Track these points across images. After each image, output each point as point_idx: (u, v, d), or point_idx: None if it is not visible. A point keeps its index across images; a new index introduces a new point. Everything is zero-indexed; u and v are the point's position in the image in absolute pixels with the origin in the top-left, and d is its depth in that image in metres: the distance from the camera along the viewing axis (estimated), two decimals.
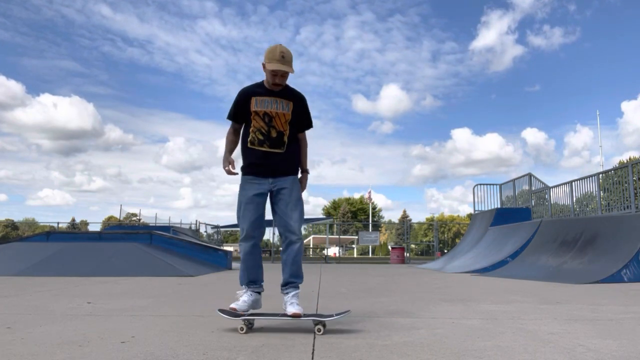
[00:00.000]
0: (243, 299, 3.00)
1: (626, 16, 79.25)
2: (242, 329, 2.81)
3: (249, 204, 3.01)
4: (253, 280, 3.07)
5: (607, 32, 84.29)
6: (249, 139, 3.06)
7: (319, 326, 2.78)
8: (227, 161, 3.09)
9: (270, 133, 3.04)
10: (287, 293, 3.01)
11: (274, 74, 2.97)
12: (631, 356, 2.16)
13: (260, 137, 3.04)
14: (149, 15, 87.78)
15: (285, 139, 3.07)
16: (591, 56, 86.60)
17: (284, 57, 2.95)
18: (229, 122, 3.20)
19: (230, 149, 3.17)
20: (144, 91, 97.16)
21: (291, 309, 2.89)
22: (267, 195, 3.07)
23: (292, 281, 3.03)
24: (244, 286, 3.07)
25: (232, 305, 2.94)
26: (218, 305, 3.36)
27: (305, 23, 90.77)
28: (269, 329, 2.92)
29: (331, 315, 2.90)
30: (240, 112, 3.10)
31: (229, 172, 3.08)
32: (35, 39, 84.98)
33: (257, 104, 3.04)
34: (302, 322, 3.05)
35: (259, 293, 3.10)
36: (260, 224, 3.04)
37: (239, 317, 2.87)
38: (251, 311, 3.03)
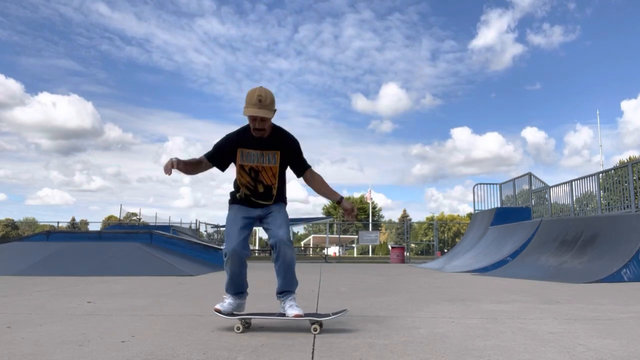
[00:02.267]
0: (228, 301, 3.00)
1: (626, 14, 79.16)
2: (238, 328, 2.82)
3: (236, 225, 2.95)
4: (239, 292, 3.06)
5: (608, 30, 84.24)
6: (238, 194, 3.02)
7: (315, 325, 2.78)
8: (175, 159, 2.88)
9: (257, 188, 2.98)
10: (284, 300, 2.99)
11: (252, 119, 2.87)
12: (631, 356, 2.16)
13: (248, 192, 2.99)
14: (147, 13, 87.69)
15: (274, 192, 3.00)
16: (591, 55, 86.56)
17: (261, 101, 2.80)
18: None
19: (187, 161, 2.96)
20: (142, 90, 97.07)
21: (291, 311, 2.89)
22: (256, 220, 3.03)
23: (286, 290, 3.01)
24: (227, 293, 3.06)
25: (217, 307, 2.95)
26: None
27: (303, 21, 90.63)
28: (269, 329, 2.92)
29: (328, 315, 2.91)
30: (219, 158, 3.01)
31: (168, 167, 2.83)
32: (32, 37, 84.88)
33: (243, 158, 2.95)
34: (302, 322, 3.06)
35: (243, 299, 3.10)
36: (246, 245, 3.00)
37: (236, 316, 2.88)
38: (249, 311, 3.03)
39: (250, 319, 2.97)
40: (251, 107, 2.81)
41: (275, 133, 2.99)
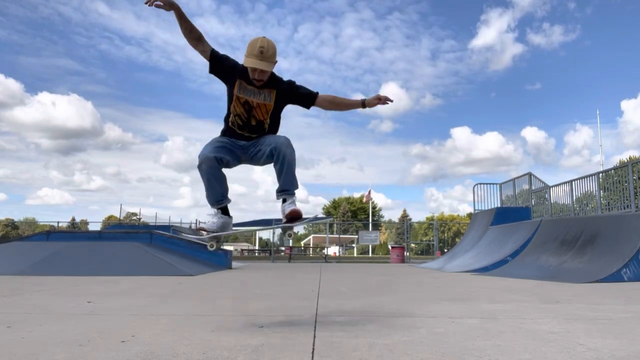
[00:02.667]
0: (212, 220, 2.97)
1: (626, 13, 79.20)
2: (212, 245, 2.85)
3: (214, 142, 2.95)
4: (220, 199, 2.99)
5: (608, 30, 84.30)
6: (230, 119, 3.03)
7: (290, 232, 2.95)
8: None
9: (250, 121, 3.02)
10: (285, 200, 2.96)
11: (251, 69, 2.90)
12: (631, 355, 2.16)
13: (240, 122, 3.01)
14: (146, 12, 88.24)
15: (266, 126, 3.04)
16: (591, 54, 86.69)
17: (263, 53, 2.82)
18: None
19: (186, 17, 2.87)
20: (142, 90, 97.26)
21: (289, 207, 2.89)
22: (240, 152, 3.00)
23: (286, 189, 2.96)
24: (214, 209, 3.00)
25: (201, 226, 2.95)
26: (218, 304, 3.37)
27: (303, 21, 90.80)
28: (269, 328, 2.92)
29: (306, 218, 2.99)
30: (219, 62, 2.96)
31: None
32: (32, 37, 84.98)
33: (240, 89, 2.98)
34: (302, 322, 3.06)
35: (229, 216, 3.05)
36: (221, 152, 2.91)
37: (214, 234, 2.90)
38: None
39: (221, 236, 2.97)
40: (252, 58, 2.83)
41: (273, 76, 3.03)
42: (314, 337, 2.61)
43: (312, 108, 3.18)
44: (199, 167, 2.91)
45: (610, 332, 2.79)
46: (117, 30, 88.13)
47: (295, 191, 3.00)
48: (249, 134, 3.03)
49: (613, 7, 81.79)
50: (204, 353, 2.20)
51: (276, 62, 2.94)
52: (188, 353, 2.19)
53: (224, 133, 3.09)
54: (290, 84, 3.09)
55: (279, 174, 2.95)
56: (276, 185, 3.02)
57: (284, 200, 2.99)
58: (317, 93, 3.11)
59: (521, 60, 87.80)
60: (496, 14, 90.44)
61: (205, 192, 3.00)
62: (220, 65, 3.00)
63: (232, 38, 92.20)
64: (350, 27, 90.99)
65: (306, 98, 3.10)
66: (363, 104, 3.15)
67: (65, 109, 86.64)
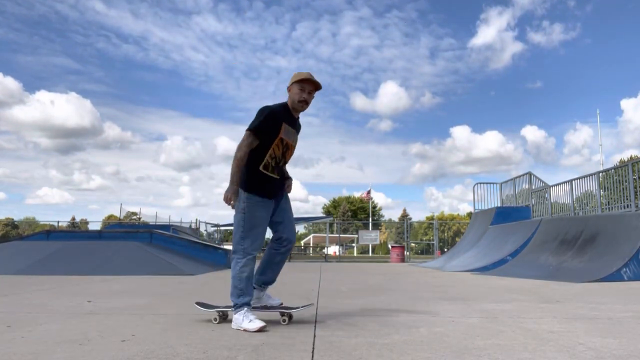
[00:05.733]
0: (251, 317, 2.84)
1: (627, 11, 78.87)
2: (215, 319, 3.04)
3: (262, 227, 3.04)
4: (251, 293, 3.05)
5: (608, 28, 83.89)
6: (262, 163, 2.99)
7: (285, 317, 3.05)
8: (235, 194, 2.93)
9: (280, 163, 3.11)
10: (265, 290, 3.23)
11: (301, 88, 3.01)
12: (631, 354, 2.16)
13: (274, 164, 3.06)
14: (143, 11, 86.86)
15: (285, 168, 3.24)
16: (591, 53, 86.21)
17: (312, 76, 3.04)
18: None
19: (240, 173, 2.95)
20: (140, 88, 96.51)
21: (277, 301, 3.21)
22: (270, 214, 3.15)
23: (272, 282, 3.26)
24: (244, 307, 2.90)
25: (255, 329, 2.75)
26: (218, 304, 3.36)
27: (301, 19, 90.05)
28: (269, 327, 2.92)
29: (297, 308, 3.17)
30: (266, 130, 2.96)
31: (231, 203, 2.94)
32: (29, 35, 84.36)
33: (285, 132, 3.04)
34: (302, 321, 3.06)
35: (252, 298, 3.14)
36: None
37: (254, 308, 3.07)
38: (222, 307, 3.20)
39: (227, 311, 3.14)
40: (305, 75, 3.03)
41: (298, 118, 3.20)
42: (314, 336, 2.62)
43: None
44: (249, 260, 2.98)
45: (610, 331, 2.79)
46: (115, 29, 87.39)
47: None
48: (277, 175, 3.10)
49: (613, 5, 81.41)
50: (204, 352, 2.20)
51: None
52: (188, 352, 2.20)
53: (255, 183, 3.00)
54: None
55: (274, 268, 3.19)
56: None
57: (262, 287, 3.22)
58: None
59: (521, 59, 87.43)
60: (496, 12, 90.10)
61: (244, 286, 2.94)
62: (266, 127, 2.97)
63: (230, 36, 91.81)
64: (349, 25, 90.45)
65: None
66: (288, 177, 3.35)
67: (64, 107, 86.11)
